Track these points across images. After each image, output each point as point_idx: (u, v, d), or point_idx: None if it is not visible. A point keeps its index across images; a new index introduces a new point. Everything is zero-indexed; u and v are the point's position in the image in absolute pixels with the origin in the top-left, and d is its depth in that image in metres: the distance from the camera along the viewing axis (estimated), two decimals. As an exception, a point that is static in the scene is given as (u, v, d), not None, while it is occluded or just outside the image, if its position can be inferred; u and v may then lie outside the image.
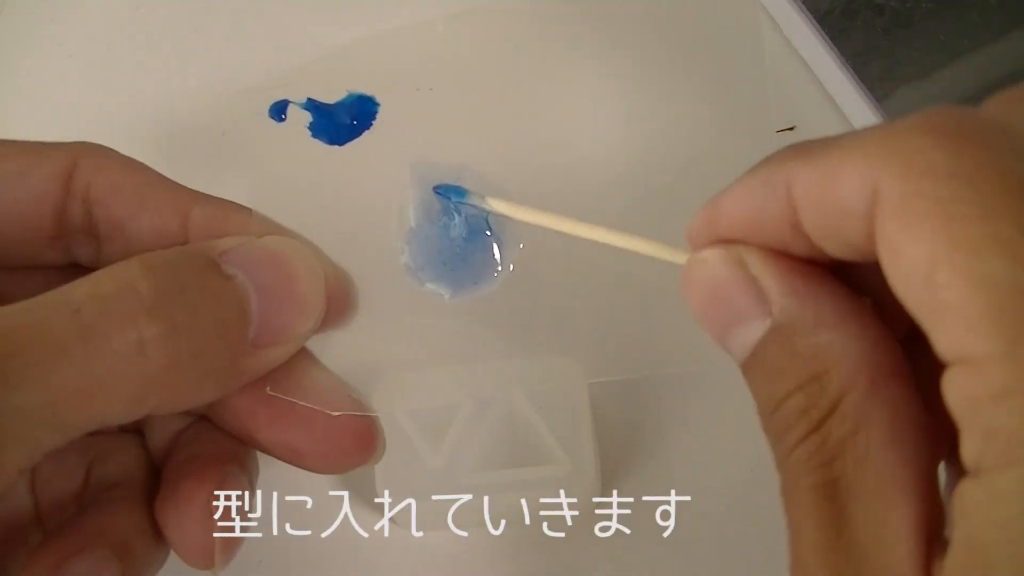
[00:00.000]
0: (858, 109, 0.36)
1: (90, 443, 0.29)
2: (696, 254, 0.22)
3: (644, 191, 0.32)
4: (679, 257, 0.23)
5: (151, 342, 0.23)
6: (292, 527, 0.34)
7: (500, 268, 0.29)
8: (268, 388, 0.27)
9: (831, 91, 0.37)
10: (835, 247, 0.19)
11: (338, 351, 0.29)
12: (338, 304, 0.28)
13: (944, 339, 0.17)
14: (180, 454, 0.28)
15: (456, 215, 0.29)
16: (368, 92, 0.29)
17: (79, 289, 0.24)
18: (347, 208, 0.30)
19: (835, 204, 0.19)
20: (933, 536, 0.18)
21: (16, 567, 0.26)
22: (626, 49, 0.33)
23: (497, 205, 0.27)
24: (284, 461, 0.28)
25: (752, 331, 0.20)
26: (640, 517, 0.33)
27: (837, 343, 0.19)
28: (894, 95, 0.35)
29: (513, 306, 0.30)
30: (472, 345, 0.30)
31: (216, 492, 0.26)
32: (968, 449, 0.17)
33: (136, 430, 0.30)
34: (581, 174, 0.31)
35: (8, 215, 0.27)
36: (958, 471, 0.17)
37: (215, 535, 0.26)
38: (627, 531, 0.33)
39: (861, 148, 0.18)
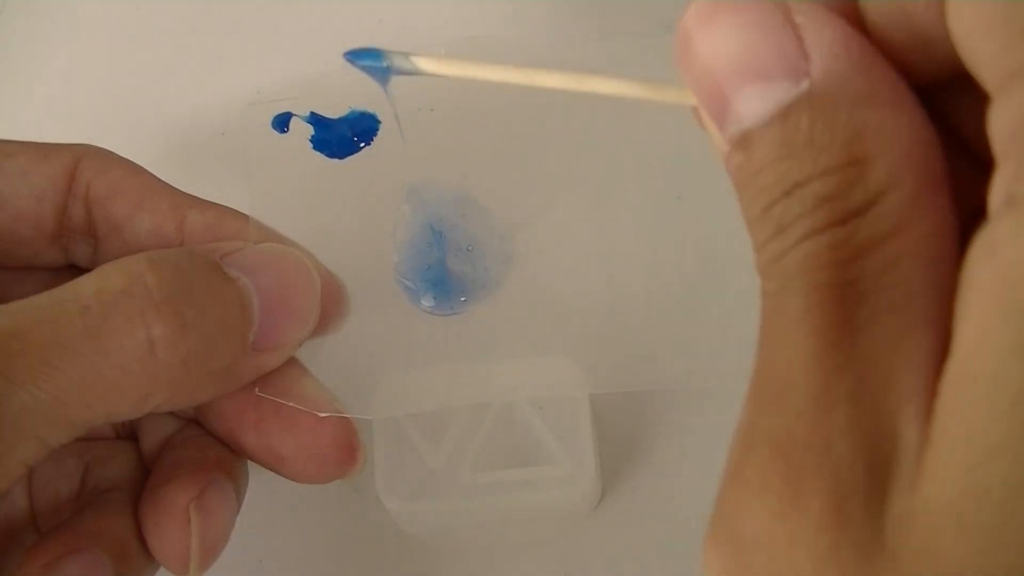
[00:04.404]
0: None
1: (87, 447, 0.29)
2: None
3: (651, 207, 0.32)
4: (682, 96, 0.18)
5: (161, 340, 0.23)
6: (292, 527, 0.34)
7: (491, 285, 0.30)
8: (257, 389, 0.27)
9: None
10: (885, 7, 0.16)
11: (328, 357, 0.29)
12: (330, 310, 0.28)
13: (1007, 57, 0.14)
14: (167, 459, 0.28)
15: (446, 234, 0.30)
16: (370, 109, 0.29)
17: (87, 285, 0.24)
18: (344, 220, 0.30)
19: None
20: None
21: (10, 568, 0.26)
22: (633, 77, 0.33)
23: (426, 64, 0.23)
24: (266, 467, 0.28)
25: (776, 92, 0.16)
26: (640, 517, 0.33)
27: (889, 126, 0.15)
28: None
29: (503, 321, 0.30)
30: (459, 355, 0.30)
31: (199, 498, 0.26)
32: (1003, 181, 0.14)
33: (132, 435, 0.30)
34: (582, 202, 0.32)
35: (10, 212, 0.27)
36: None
37: (193, 543, 0.26)
38: (627, 531, 0.33)
39: None
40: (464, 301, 0.30)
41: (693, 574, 0.33)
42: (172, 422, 0.29)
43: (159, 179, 0.29)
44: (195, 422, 0.29)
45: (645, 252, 0.31)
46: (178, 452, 0.28)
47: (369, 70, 0.24)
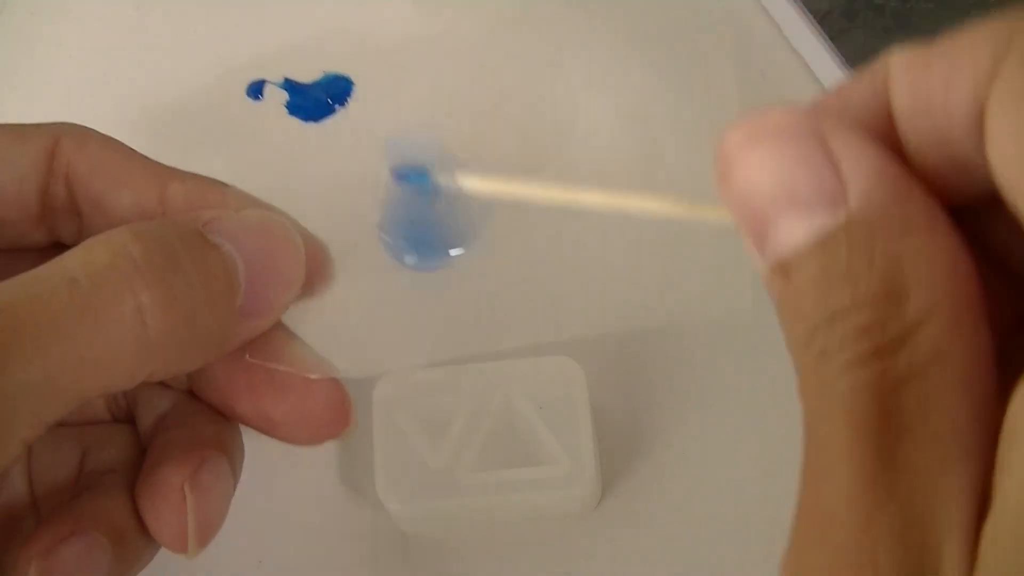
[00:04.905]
0: (858, 109, 0.36)
1: (84, 432, 0.29)
2: (762, 116, 0.17)
3: (628, 174, 0.32)
4: (723, 216, 0.19)
5: (150, 309, 0.24)
6: (292, 527, 0.34)
7: (473, 237, 0.30)
8: (247, 356, 0.27)
9: (831, 91, 0.37)
10: (924, 133, 0.16)
11: (316, 319, 0.30)
12: (315, 273, 0.28)
13: None
14: (161, 438, 0.28)
15: (429, 189, 0.30)
16: (343, 72, 0.30)
17: (73, 259, 0.24)
18: (324, 182, 0.31)
19: (944, 67, 0.16)
20: (986, 510, 0.15)
21: (12, 554, 0.26)
22: (615, 35, 0.34)
23: (468, 181, 0.25)
24: (261, 432, 0.28)
25: (814, 222, 0.16)
26: (640, 517, 0.33)
27: (925, 255, 0.16)
28: (894, 95, 0.35)
29: (487, 274, 0.30)
30: (446, 313, 0.31)
31: (193, 476, 0.27)
32: None
33: (129, 418, 0.30)
34: (560, 146, 0.32)
35: None
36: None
37: (190, 521, 0.26)
38: (627, 531, 0.33)
39: (985, 26, 0.15)
40: (448, 255, 0.30)
41: (693, 574, 0.33)
42: (166, 401, 0.30)
43: (138, 153, 0.29)
44: (189, 399, 0.29)
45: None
46: (172, 432, 0.28)
47: (417, 187, 0.26)
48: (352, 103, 0.30)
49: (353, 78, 0.30)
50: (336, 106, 0.30)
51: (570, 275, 0.31)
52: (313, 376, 0.28)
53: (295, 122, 0.30)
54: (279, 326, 0.28)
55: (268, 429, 0.28)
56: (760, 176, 0.17)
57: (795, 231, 0.16)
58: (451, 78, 0.31)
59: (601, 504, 0.33)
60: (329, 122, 0.30)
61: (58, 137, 0.28)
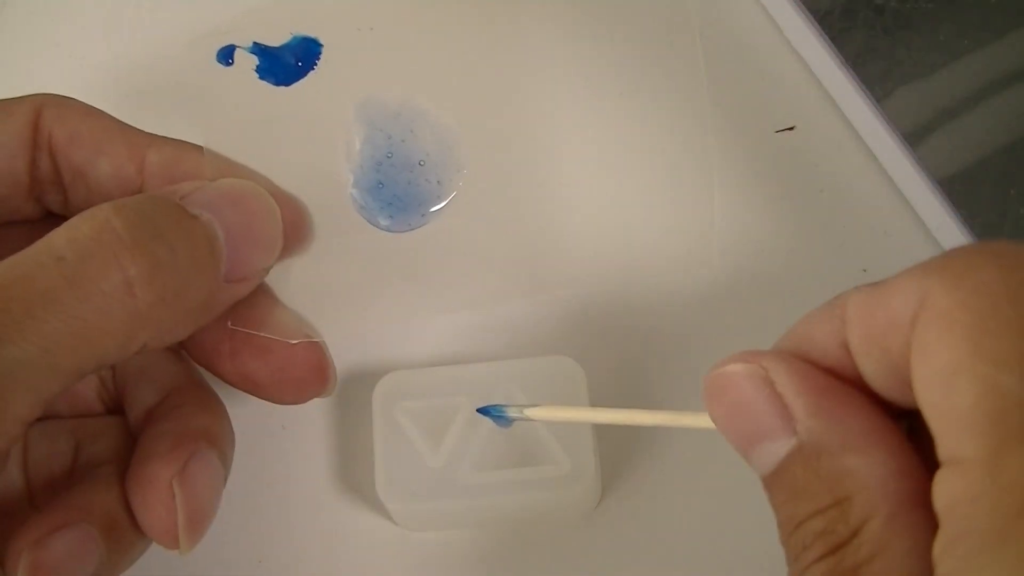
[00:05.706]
0: (858, 109, 0.36)
1: (78, 424, 0.30)
2: (720, 368, 0.21)
3: (593, 102, 0.32)
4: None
5: (137, 280, 0.24)
6: (292, 527, 0.34)
7: (445, 196, 0.30)
8: (229, 323, 0.28)
9: (831, 91, 0.37)
10: (874, 364, 0.20)
11: (295, 282, 0.30)
12: (294, 232, 0.29)
13: (944, 441, 0.18)
14: (150, 431, 0.29)
15: (396, 149, 0.31)
16: (312, 34, 0.30)
17: (58, 237, 0.24)
18: (296, 146, 0.31)
19: (884, 313, 0.19)
20: None
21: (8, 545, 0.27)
22: (603, 21, 0.34)
23: (535, 413, 0.29)
24: (246, 392, 0.29)
25: (776, 449, 0.20)
26: (640, 517, 0.33)
27: (862, 468, 0.19)
28: (894, 95, 0.35)
29: (459, 233, 0.31)
30: (420, 270, 0.31)
31: (182, 472, 0.27)
32: (935, 551, 0.17)
33: (121, 410, 0.30)
34: (523, 106, 0.32)
35: None
36: None
37: (180, 517, 0.27)
38: (627, 531, 0.33)
39: (919, 267, 0.19)
40: (421, 216, 0.31)
41: (692, 574, 0.33)
42: (155, 393, 0.30)
43: (116, 120, 0.29)
44: (178, 391, 0.30)
45: (592, 146, 0.32)
46: (160, 424, 0.29)
47: (495, 419, 0.31)
48: (322, 65, 0.31)
49: (322, 40, 0.30)
50: (306, 69, 0.30)
51: (547, 230, 0.31)
52: (293, 341, 0.28)
53: (266, 86, 0.30)
54: (261, 291, 0.29)
55: (252, 390, 0.29)
56: (732, 416, 0.21)
57: (765, 457, 0.20)
58: (419, 39, 0.32)
59: (601, 504, 0.33)
60: (300, 85, 0.30)
61: (40, 108, 0.29)
